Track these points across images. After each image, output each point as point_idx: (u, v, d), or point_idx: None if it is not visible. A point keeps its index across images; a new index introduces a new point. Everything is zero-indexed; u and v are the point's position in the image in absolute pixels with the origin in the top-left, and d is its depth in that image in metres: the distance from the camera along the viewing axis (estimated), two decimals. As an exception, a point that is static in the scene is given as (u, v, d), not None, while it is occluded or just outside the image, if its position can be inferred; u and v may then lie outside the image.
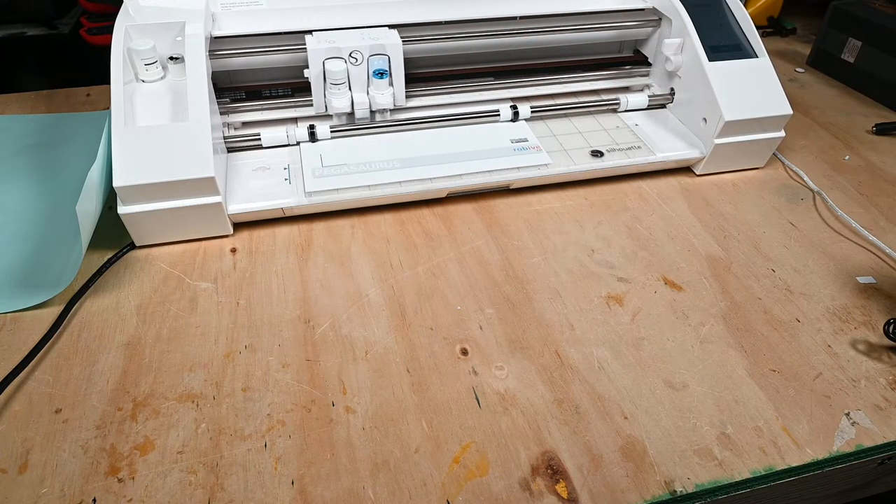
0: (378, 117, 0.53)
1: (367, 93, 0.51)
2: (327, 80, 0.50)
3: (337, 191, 0.47)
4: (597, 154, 0.52)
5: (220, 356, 0.38)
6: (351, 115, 0.52)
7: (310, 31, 0.51)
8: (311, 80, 0.50)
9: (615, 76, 0.59)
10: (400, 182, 0.48)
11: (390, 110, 0.53)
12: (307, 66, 0.49)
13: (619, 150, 0.53)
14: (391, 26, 0.52)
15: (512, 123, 0.54)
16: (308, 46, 0.49)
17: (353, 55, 0.49)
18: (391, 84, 0.51)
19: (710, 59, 0.52)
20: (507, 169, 0.50)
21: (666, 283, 0.44)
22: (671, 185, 0.54)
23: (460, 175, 0.49)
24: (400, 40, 0.50)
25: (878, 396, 0.37)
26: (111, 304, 0.41)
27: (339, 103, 0.50)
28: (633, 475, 0.32)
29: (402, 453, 0.33)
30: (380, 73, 0.50)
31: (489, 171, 0.49)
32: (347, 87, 0.50)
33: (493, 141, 0.52)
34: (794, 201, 0.53)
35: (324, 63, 0.49)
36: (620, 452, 0.33)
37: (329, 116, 0.52)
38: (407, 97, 0.53)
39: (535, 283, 0.43)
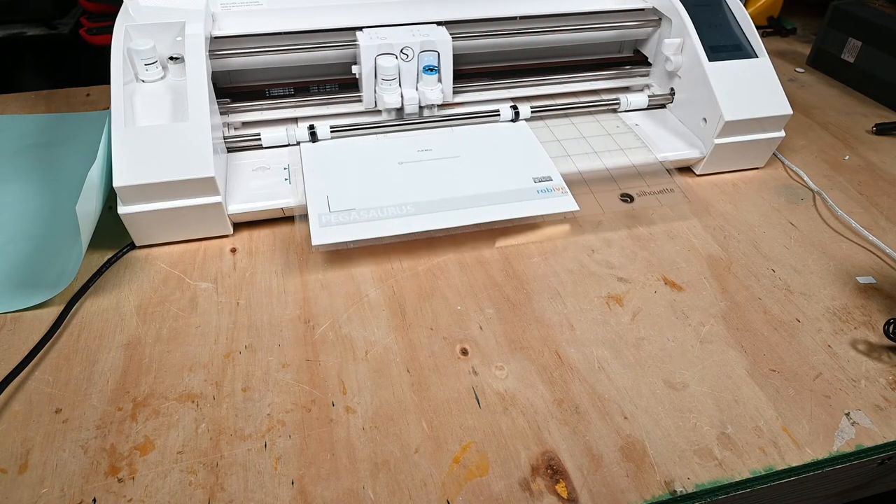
0: (426, 112, 0.54)
1: (416, 88, 0.52)
2: (378, 76, 0.50)
3: (346, 244, 0.44)
4: (626, 199, 0.48)
5: (220, 356, 0.38)
6: (400, 110, 0.52)
7: (310, 31, 0.51)
8: (363, 76, 0.51)
9: (615, 76, 0.59)
10: (414, 233, 0.44)
11: (438, 106, 0.54)
12: (356, 62, 0.51)
13: (650, 193, 0.48)
14: (392, 26, 0.52)
15: (512, 123, 0.54)
16: (360, 43, 0.49)
17: (404, 51, 0.49)
18: (440, 80, 0.52)
19: (710, 59, 0.52)
20: (531, 217, 0.46)
21: (666, 283, 0.44)
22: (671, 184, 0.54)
23: (479, 224, 0.45)
24: (450, 37, 0.51)
25: (878, 396, 0.37)
26: (111, 304, 0.41)
27: (391, 99, 0.51)
28: (633, 475, 0.32)
29: (402, 453, 0.33)
30: (430, 69, 0.51)
31: (510, 220, 0.46)
32: (398, 83, 0.51)
33: (513, 179, 0.48)
34: (794, 201, 0.53)
35: (375, 59, 0.50)
36: (620, 452, 0.33)
37: (328, 116, 0.52)
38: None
39: (535, 283, 0.43)
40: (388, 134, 0.52)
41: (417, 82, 0.52)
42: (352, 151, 0.50)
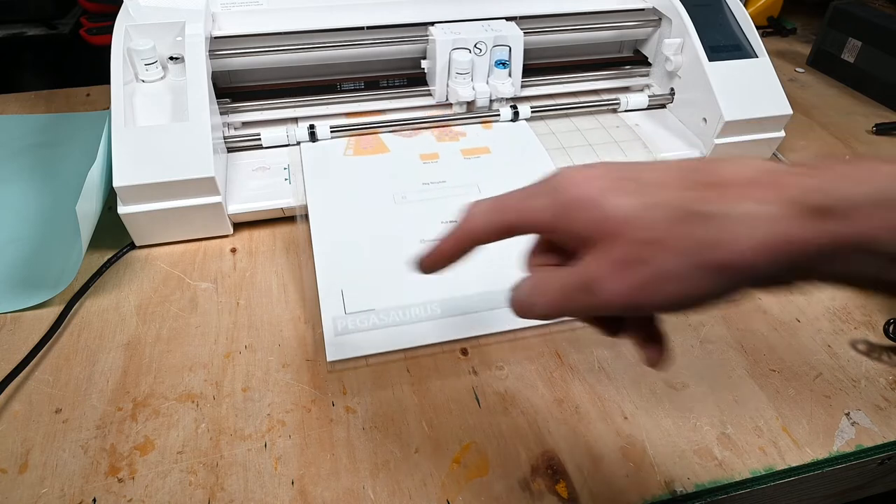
0: (496, 106, 0.55)
1: (487, 82, 0.53)
2: (452, 69, 0.52)
3: (366, 358, 0.37)
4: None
5: (220, 356, 0.38)
6: (471, 103, 0.54)
7: (309, 31, 0.51)
8: (437, 70, 0.52)
9: (615, 76, 0.59)
10: (442, 343, 0.38)
11: (507, 99, 0.55)
12: (425, 57, 0.52)
13: None
14: (390, 26, 0.52)
15: (512, 123, 0.54)
16: (436, 38, 0.51)
17: (477, 46, 0.50)
18: (510, 74, 0.53)
19: (710, 59, 0.52)
20: (568, 330, 0.40)
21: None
22: (671, 185, 0.53)
23: (513, 331, 0.39)
24: (521, 32, 0.52)
25: (878, 396, 0.37)
26: (111, 304, 0.41)
27: (464, 92, 0.52)
28: (633, 475, 0.32)
29: (402, 453, 0.33)
30: (501, 64, 0.52)
31: (545, 327, 0.39)
32: (471, 77, 0.52)
33: None
34: (794, 201, 0.53)
35: (450, 53, 0.51)
36: (620, 452, 0.33)
37: (327, 116, 0.53)
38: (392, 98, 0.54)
39: (535, 283, 0.43)
40: (408, 199, 0.46)
41: (488, 76, 0.53)
42: (369, 223, 0.44)
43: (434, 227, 0.43)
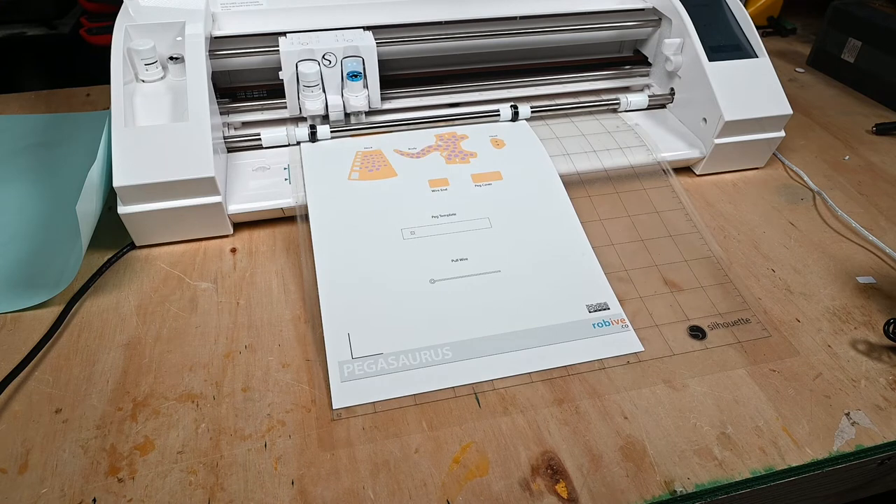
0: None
1: (342, 95, 0.50)
2: (300, 82, 0.49)
3: (374, 405, 0.36)
4: (697, 334, 0.40)
5: (220, 356, 0.38)
6: (325, 117, 0.51)
7: (309, 31, 0.51)
8: (285, 82, 0.49)
9: (615, 76, 0.59)
10: (454, 388, 0.36)
11: (366, 112, 0.52)
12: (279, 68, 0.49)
13: (723, 325, 0.41)
14: (391, 27, 0.52)
15: (512, 123, 0.54)
16: (281, 48, 0.48)
17: (326, 57, 0.48)
18: (365, 86, 0.50)
19: (710, 59, 0.52)
20: (588, 362, 0.38)
21: (666, 284, 0.44)
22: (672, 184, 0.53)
23: (528, 374, 0.37)
24: (374, 42, 0.49)
25: (878, 396, 0.37)
26: (111, 304, 0.41)
27: (313, 105, 0.49)
28: (633, 475, 0.32)
29: (402, 453, 0.33)
30: (353, 75, 0.49)
31: (564, 367, 0.38)
32: (321, 90, 0.49)
33: (564, 307, 0.41)
34: (794, 201, 0.53)
35: (297, 65, 0.48)
36: (620, 452, 0.33)
37: (329, 116, 0.52)
38: (386, 98, 0.53)
39: (535, 283, 0.43)
40: (416, 237, 0.44)
41: (343, 89, 0.50)
42: (376, 262, 0.42)
43: (444, 266, 0.42)
